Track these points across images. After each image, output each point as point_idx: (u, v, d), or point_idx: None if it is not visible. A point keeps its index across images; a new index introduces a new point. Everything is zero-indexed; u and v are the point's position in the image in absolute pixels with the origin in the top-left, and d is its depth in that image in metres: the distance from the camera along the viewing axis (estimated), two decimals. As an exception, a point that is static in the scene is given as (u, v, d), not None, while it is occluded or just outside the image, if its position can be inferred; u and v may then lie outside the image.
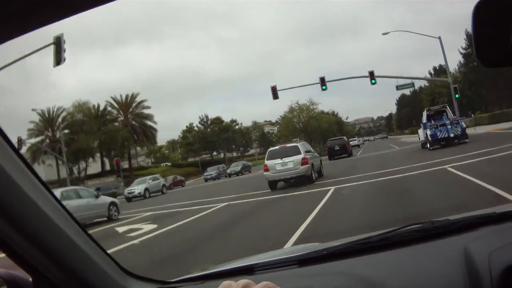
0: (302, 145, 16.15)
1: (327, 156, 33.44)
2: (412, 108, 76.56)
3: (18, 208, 0.85)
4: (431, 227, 1.33)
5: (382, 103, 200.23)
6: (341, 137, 37.63)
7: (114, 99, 52.89)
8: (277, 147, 17.06)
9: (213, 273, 1.45)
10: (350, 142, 43.08)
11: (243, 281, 0.57)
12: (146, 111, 53.73)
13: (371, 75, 32.17)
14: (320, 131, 57.17)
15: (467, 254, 1.05)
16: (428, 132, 21.51)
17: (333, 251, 1.35)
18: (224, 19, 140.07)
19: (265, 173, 15.67)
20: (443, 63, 70.51)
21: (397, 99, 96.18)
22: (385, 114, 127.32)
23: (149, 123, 54.22)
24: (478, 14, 0.80)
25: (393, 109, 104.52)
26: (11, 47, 0.80)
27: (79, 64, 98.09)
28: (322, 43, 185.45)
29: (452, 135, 20.94)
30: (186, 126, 71.12)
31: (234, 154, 73.26)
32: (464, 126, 21.61)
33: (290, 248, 1.90)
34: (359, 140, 73.56)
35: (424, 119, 23.19)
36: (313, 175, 15.53)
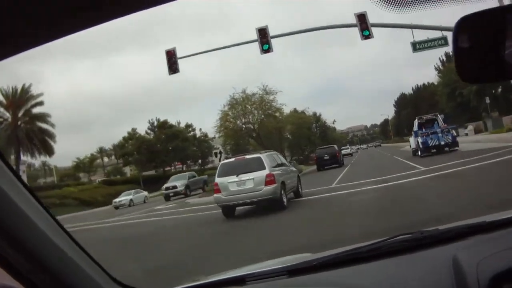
0: (268, 157, 12.52)
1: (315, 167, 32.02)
2: (415, 108, 66.15)
3: (7, 218, 0.91)
4: (420, 237, 1.38)
5: (376, 111, 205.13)
6: (331, 145, 35.34)
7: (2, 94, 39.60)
8: (232, 159, 13.34)
9: (204, 283, 1.50)
10: (342, 151, 42.32)
11: None
12: (38, 109, 36.07)
13: (361, 21, 18.26)
14: (282, 136, 37.39)
15: (456, 263, 1.11)
16: (419, 140, 23.21)
17: (323, 261, 1.40)
18: (217, 26, 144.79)
19: (215, 195, 12.24)
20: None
21: (395, 100, 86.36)
22: (379, 121, 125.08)
23: (42, 125, 36.15)
24: (459, 31, 0.85)
25: (390, 113, 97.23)
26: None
27: (69, 72, 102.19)
28: (318, 49, 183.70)
29: (442, 142, 22.64)
30: (128, 132, 58.85)
31: (195, 166, 61.83)
32: (455, 134, 23.84)
33: (281, 259, 1.76)
34: (352, 149, 71.86)
35: (415, 127, 25.08)
36: (284, 198, 12.04)
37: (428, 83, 72.39)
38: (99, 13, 0.73)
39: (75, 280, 1.07)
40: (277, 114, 38.83)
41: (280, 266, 1.43)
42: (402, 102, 79.98)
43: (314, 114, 54.65)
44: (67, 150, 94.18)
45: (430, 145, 22.63)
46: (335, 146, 34.86)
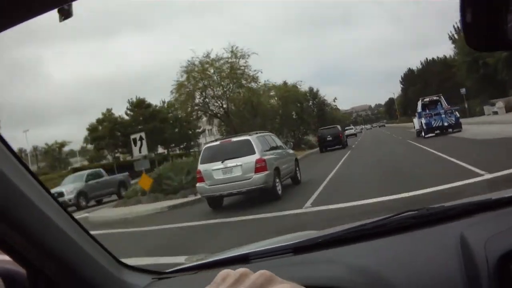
0: (259, 139, 11.32)
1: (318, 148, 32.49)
2: (425, 84, 60.48)
3: (9, 201, 0.92)
4: (426, 213, 1.40)
5: (381, 91, 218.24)
6: (334, 126, 34.15)
7: None
8: (217, 142, 11.95)
9: (208, 262, 1.50)
10: (346, 131, 42.55)
11: (241, 269, 0.61)
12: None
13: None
14: (260, 113, 29.38)
15: (463, 241, 1.12)
16: (423, 121, 24.21)
17: (328, 238, 1.42)
18: (215, 9, 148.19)
19: (198, 184, 11.22)
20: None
21: (402, 76, 79.16)
22: (383, 101, 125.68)
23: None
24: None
25: (396, 92, 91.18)
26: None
27: (69, 57, 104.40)
28: (316, 33, 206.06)
29: (446, 124, 23.39)
30: (103, 113, 51.91)
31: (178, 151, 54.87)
32: (458, 115, 24.56)
33: (286, 236, 1.79)
34: (356, 129, 72.42)
35: (419, 109, 26.01)
36: (279, 187, 11.06)
37: (438, 57, 67.54)
38: None
39: (80, 265, 1.09)
40: (253, 84, 29.00)
41: (284, 244, 1.46)
42: (410, 78, 76.57)
43: (311, 89, 47.18)
44: (68, 134, 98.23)
45: (434, 126, 23.76)
46: (338, 127, 34.15)
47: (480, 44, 0.82)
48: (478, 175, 8.51)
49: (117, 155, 58.72)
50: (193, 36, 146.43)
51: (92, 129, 52.67)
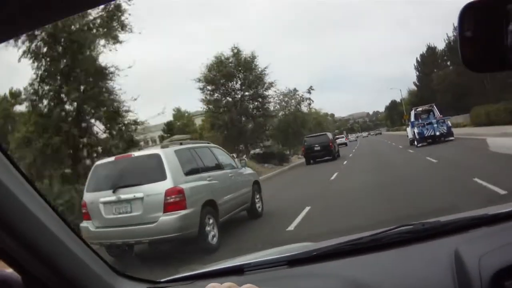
0: (178, 154, 9.98)
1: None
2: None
3: (5, 207, 1.18)
4: (421, 228, 1.80)
5: (378, 99, 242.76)
6: (324, 133, 38.92)
7: None
8: (111, 158, 10.70)
9: (202, 273, 1.91)
10: (337, 140, 47.15)
11: (227, 284, 0.82)
12: None
13: None
14: None
15: (457, 256, 1.43)
16: (416, 130, 32.74)
17: (323, 251, 1.81)
18: (217, 11, 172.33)
19: (82, 224, 9.79)
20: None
21: (418, 59, 78.02)
22: (382, 108, 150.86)
23: None
24: (464, 18, 1.07)
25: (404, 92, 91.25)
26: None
27: None
28: (319, 37, 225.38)
29: (438, 133, 31.70)
30: None
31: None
32: (450, 124, 33.29)
33: (280, 248, 2.28)
34: (351, 137, 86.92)
35: (412, 118, 35.08)
36: (212, 234, 9.74)
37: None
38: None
39: (75, 272, 1.38)
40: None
41: (279, 256, 1.88)
42: (431, 60, 70.58)
43: (235, 51, 37.55)
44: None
45: (426, 135, 31.77)
46: (329, 134, 37.32)
47: (475, 63, 1.05)
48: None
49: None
50: (192, 38, 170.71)
51: None
